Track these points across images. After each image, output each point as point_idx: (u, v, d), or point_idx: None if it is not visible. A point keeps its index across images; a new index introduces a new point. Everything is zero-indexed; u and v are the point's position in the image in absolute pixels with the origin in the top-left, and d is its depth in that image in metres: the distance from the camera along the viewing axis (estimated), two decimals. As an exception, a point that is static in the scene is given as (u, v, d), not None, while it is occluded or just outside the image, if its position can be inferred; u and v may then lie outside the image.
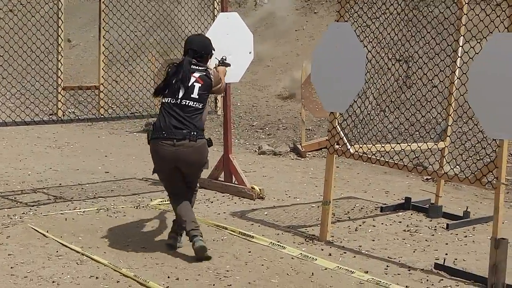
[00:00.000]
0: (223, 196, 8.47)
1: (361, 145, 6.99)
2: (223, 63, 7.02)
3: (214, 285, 5.59)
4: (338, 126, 6.83)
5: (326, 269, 6.01)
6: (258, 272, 5.93)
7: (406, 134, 8.38)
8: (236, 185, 8.59)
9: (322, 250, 6.55)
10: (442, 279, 5.87)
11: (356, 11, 7.06)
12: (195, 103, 6.15)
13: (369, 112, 7.91)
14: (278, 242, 6.65)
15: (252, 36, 8.68)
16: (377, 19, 7.38)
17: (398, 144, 7.28)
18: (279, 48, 14.78)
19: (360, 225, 7.39)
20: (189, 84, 6.16)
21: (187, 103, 6.12)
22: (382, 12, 7.25)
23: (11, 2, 14.45)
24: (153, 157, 6.23)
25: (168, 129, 6.05)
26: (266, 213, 7.80)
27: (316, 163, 10.71)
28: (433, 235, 7.21)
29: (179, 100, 6.12)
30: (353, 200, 8.50)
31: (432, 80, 6.84)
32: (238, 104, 14.13)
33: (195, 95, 6.14)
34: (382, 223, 7.53)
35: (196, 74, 6.23)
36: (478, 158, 6.55)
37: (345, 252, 6.52)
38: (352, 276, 5.86)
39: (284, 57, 13.92)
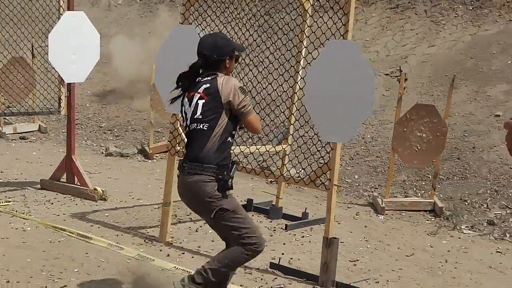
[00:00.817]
0: (65, 197, 8.31)
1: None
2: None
3: (46, 287, 5.49)
4: (179, 128, 6.86)
5: (163, 269, 6.03)
6: (93, 273, 5.87)
7: (255, 138, 8.58)
8: (78, 186, 8.46)
9: (161, 251, 6.57)
10: (276, 278, 6.02)
11: (201, 14, 7.12)
12: (198, 125, 4.75)
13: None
14: (116, 243, 6.61)
15: (98, 37, 8.60)
16: (229, 24, 7.50)
17: (247, 147, 7.41)
18: (131, 49, 14.65)
19: (201, 226, 7.46)
20: (193, 102, 4.80)
21: (193, 127, 4.79)
22: (234, 16, 7.38)
23: None
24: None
25: (185, 159, 4.87)
26: (107, 214, 7.73)
27: (163, 165, 10.63)
28: (272, 235, 7.38)
29: (188, 122, 4.85)
30: (197, 202, 8.55)
31: (282, 85, 7.02)
32: (87, 105, 13.93)
33: (198, 114, 4.75)
34: (223, 225, 7.61)
35: (202, 88, 4.78)
36: (315, 161, 6.77)
37: (183, 253, 6.56)
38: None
39: (136, 58, 13.82)
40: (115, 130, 12.73)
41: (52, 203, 8.03)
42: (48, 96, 9.21)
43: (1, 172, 9.52)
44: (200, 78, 4.81)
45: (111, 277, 5.80)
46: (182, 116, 4.95)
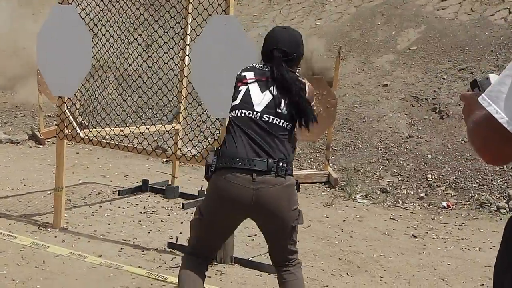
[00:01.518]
0: None
1: (92, 130, 6.96)
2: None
3: None
4: (67, 111, 6.73)
5: (58, 256, 5.93)
6: (-9, 265, 5.72)
7: (145, 118, 8.51)
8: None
9: (56, 237, 6.45)
10: (175, 257, 6.02)
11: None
12: (276, 119, 4.00)
13: (104, 97, 7.90)
14: (9, 232, 6.45)
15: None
16: (117, 2, 7.37)
17: (137, 128, 7.34)
18: (16, 32, 14.24)
19: (97, 210, 7.38)
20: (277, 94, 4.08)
21: (269, 120, 3.99)
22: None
23: None
24: (211, 195, 4.04)
25: (244, 156, 3.92)
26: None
27: (55, 150, 10.49)
28: (169, 215, 7.37)
29: (257, 114, 3.99)
30: (91, 185, 8.46)
31: (168, 64, 6.96)
32: None
33: (281, 109, 4.02)
34: (119, 207, 7.57)
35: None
36: (205, 138, 6.76)
37: (79, 238, 6.47)
38: (85, 261, 5.83)
39: (19, 42, 13.43)
40: (3, 116, 12.36)
41: None
42: None
43: None
44: (267, 68, 4.15)
45: (3, 267, 5.65)
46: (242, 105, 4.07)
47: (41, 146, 10.92)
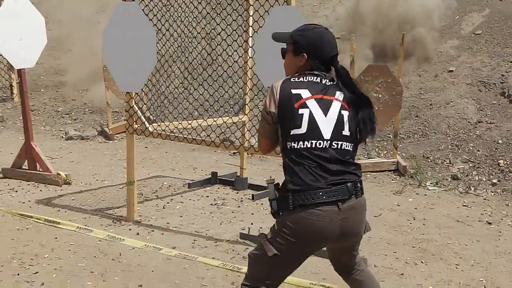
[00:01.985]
0: (28, 184, 8.22)
1: (160, 124, 7.04)
2: None
3: (19, 274, 5.45)
4: (135, 106, 6.82)
5: (133, 248, 6.02)
6: (65, 257, 5.84)
7: (212, 110, 8.56)
8: (40, 172, 8.37)
9: (130, 230, 6.55)
10: (248, 248, 6.04)
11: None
12: (345, 143, 3.71)
13: (171, 91, 7.97)
14: (85, 226, 6.58)
15: (43, 20, 8.49)
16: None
17: (204, 120, 7.39)
18: (78, 32, 14.46)
19: (168, 203, 7.46)
20: (333, 111, 3.71)
21: (338, 146, 3.69)
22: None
23: None
24: (293, 234, 3.64)
25: (324, 187, 3.61)
26: (73, 198, 7.67)
27: (124, 145, 10.61)
28: (239, 206, 7.41)
29: (327, 142, 3.65)
30: (161, 179, 8.55)
31: (232, 56, 6.99)
32: (42, 90, 13.72)
33: (346, 131, 3.72)
34: (190, 199, 7.63)
35: (340, 95, 3.76)
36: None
37: (153, 230, 6.55)
38: (160, 253, 5.91)
39: (86, 40, 13.65)
40: (73, 113, 12.58)
41: (16, 191, 7.94)
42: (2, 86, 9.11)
43: (-39, 164, 9.38)
44: (325, 80, 3.75)
45: (82, 259, 5.77)
46: (297, 121, 3.66)
47: (110, 142, 11.07)
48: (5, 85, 9.01)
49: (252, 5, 6.98)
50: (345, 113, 3.72)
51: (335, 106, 3.71)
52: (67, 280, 5.36)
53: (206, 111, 7.76)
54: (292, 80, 3.74)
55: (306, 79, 3.74)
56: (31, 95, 12.42)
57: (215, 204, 7.44)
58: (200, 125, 7.59)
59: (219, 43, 7.06)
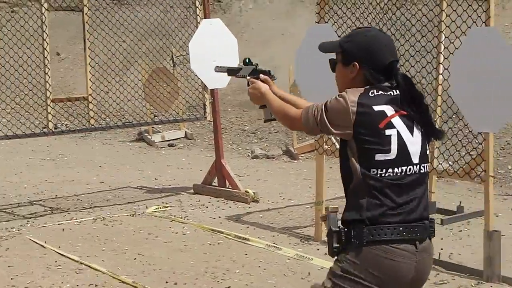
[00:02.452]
0: (218, 200, 8.51)
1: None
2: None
3: (212, 288, 5.65)
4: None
5: (322, 268, 6.05)
6: (255, 274, 5.98)
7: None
8: (230, 189, 8.63)
9: (318, 249, 6.60)
10: (438, 274, 5.92)
11: (336, 12, 7.11)
12: (426, 167, 3.19)
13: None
14: (273, 243, 6.70)
15: (236, 41, 8.78)
16: (357, 19, 7.45)
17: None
18: (265, 52, 14.81)
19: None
20: (416, 130, 3.14)
21: (424, 170, 3.16)
22: (362, 11, 7.33)
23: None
24: (363, 275, 3.05)
25: (406, 222, 3.08)
26: (261, 215, 7.85)
27: (309, 165, 10.73)
28: (427, 230, 7.26)
29: (416, 166, 3.12)
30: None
31: (415, 77, 6.91)
32: (229, 109, 14.17)
33: (427, 151, 3.21)
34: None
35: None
36: (466, 152, 6.61)
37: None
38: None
39: (272, 61, 13.94)
40: (258, 132, 12.90)
41: (207, 207, 8.24)
42: (193, 103, 9.48)
43: (155, 178, 9.85)
44: (395, 92, 3.15)
45: (272, 277, 5.88)
46: (386, 146, 3.07)
47: (295, 161, 11.22)
48: (198, 104, 9.35)
49: (448, 27, 6.84)
50: (424, 132, 3.18)
51: (417, 123, 3.15)
52: (259, 296, 5.49)
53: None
54: (371, 94, 3.09)
55: (384, 92, 3.12)
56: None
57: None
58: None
59: (402, 64, 7.01)
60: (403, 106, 3.11)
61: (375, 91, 3.09)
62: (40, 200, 8.69)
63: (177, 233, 7.17)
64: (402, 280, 3.06)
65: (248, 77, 3.65)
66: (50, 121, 8.26)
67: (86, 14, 8.69)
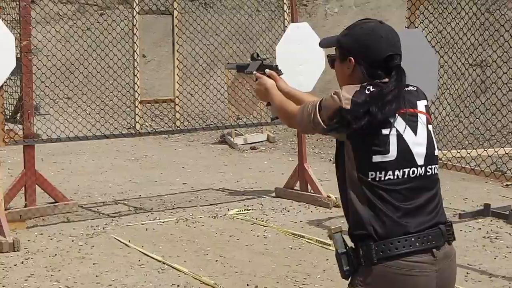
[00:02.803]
0: (299, 205, 8.48)
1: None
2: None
3: (294, 292, 5.62)
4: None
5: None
6: (337, 279, 5.88)
7: (482, 140, 8.30)
8: (312, 194, 8.59)
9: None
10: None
11: (427, 17, 7.01)
12: (435, 168, 2.88)
13: (443, 118, 7.85)
14: (355, 249, 6.62)
15: (323, 46, 8.73)
16: (449, 24, 7.33)
17: (474, 150, 7.20)
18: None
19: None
20: (420, 128, 2.84)
21: (430, 172, 2.84)
22: (453, 16, 7.21)
23: (88, 21, 14.86)
24: None
25: (417, 230, 2.76)
26: (342, 221, 7.71)
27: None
28: (515, 241, 7.08)
29: (421, 168, 2.81)
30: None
31: (507, 84, 6.75)
32: (312, 114, 14.10)
33: (436, 150, 2.89)
34: (460, 230, 7.40)
35: (420, 104, 2.89)
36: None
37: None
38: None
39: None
40: (340, 137, 12.79)
41: (288, 211, 8.22)
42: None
43: (237, 181, 9.90)
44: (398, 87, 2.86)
45: (354, 283, 5.81)
46: (385, 146, 2.76)
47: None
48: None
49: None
50: (431, 128, 2.88)
51: (422, 121, 2.84)
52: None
53: (476, 140, 7.54)
54: (366, 91, 2.77)
55: (376, 88, 2.80)
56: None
57: (488, 237, 7.16)
58: (469, 154, 7.37)
59: (494, 70, 6.86)
60: (416, 101, 2.85)
61: (371, 87, 2.77)
62: (124, 200, 8.83)
63: (258, 236, 7.18)
64: (443, 276, 2.75)
65: (254, 73, 3.38)
66: (138, 122, 8.40)
67: (176, 17, 8.81)
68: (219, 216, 7.96)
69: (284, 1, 9.07)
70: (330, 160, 11.62)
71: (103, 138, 8.52)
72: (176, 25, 8.89)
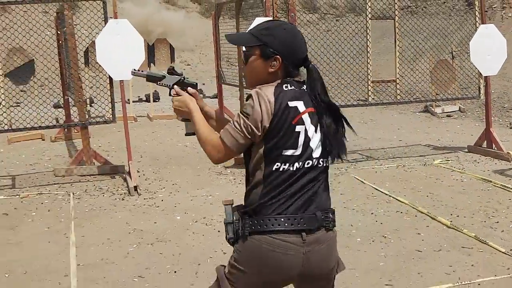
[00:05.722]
0: (486, 158, 8.04)
1: None
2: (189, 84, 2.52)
3: (485, 221, 5.39)
4: None
5: None
6: (517, 214, 5.60)
7: None
8: (495, 150, 8.12)
9: None
10: None
11: None
12: (326, 161, 2.32)
13: None
14: (533, 193, 6.21)
15: (505, 41, 8.22)
16: None
17: None
18: None
19: None
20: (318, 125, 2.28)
21: (323, 164, 2.30)
22: None
23: (328, 24, 14.94)
24: (248, 266, 2.25)
25: (295, 214, 2.22)
26: (518, 172, 7.28)
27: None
28: None
29: (314, 160, 2.26)
30: None
31: None
32: (492, 91, 13.16)
33: (327, 146, 2.31)
34: None
35: (313, 103, 2.31)
36: None
37: None
38: None
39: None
40: (515, 107, 11.87)
41: (478, 162, 7.83)
42: (467, 86, 9.10)
43: (438, 139, 9.57)
44: (302, 86, 2.28)
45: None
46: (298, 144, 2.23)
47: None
48: (469, 86, 9.02)
49: None
50: (324, 125, 2.25)
51: (319, 118, 2.25)
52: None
53: None
54: (285, 88, 2.21)
55: (295, 87, 2.24)
56: (493, 93, 12.06)
57: None
58: None
59: None
60: (312, 101, 2.24)
61: (288, 85, 2.22)
62: (358, 151, 8.86)
63: (457, 180, 6.95)
64: (285, 272, 2.21)
65: (175, 88, 2.46)
66: (370, 96, 8.45)
67: (396, 21, 8.71)
68: (427, 164, 7.78)
69: (475, 8, 8.55)
70: (507, 126, 10.87)
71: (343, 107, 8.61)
72: (397, 27, 8.81)
